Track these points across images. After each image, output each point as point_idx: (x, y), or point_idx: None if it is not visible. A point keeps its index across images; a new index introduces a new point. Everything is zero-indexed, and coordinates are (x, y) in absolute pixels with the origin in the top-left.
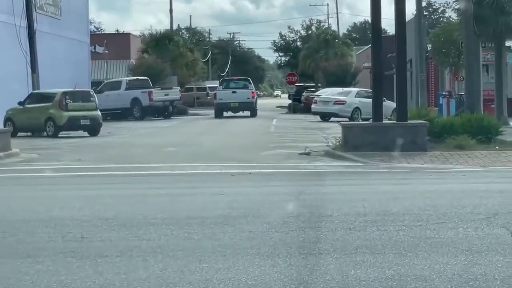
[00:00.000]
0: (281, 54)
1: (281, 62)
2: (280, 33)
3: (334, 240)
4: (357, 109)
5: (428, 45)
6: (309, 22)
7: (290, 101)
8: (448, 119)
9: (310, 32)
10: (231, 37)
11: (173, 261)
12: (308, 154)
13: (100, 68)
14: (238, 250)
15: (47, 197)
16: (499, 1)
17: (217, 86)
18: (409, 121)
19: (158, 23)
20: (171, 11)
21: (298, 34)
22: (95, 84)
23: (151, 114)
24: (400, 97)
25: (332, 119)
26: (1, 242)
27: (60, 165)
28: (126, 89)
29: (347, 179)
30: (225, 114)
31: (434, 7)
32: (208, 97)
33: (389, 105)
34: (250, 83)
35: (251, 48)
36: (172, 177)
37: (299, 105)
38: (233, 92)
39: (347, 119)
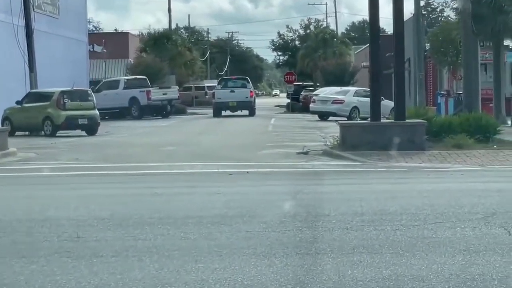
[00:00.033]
0: (279, 53)
1: (279, 61)
2: (278, 32)
3: (331, 239)
4: (355, 108)
5: (426, 44)
6: (307, 21)
7: (288, 100)
8: (446, 118)
9: (308, 31)
10: (229, 36)
11: (169, 261)
12: (306, 153)
13: (99, 67)
14: (234, 250)
15: (43, 197)
16: (497, 0)
17: (215, 85)
18: (407, 120)
19: (157, 22)
20: (169, 10)
21: (297, 33)
22: (94, 83)
23: (149, 113)
24: (398, 96)
25: (331, 118)
26: None
27: (57, 165)
28: (124, 88)
29: (344, 178)
30: (223, 113)
31: (432, 6)
32: (207, 96)
33: (387, 104)
34: (248, 82)
35: (249, 47)
36: (169, 177)
37: (298, 104)
38: (232, 91)
39: (346, 118)
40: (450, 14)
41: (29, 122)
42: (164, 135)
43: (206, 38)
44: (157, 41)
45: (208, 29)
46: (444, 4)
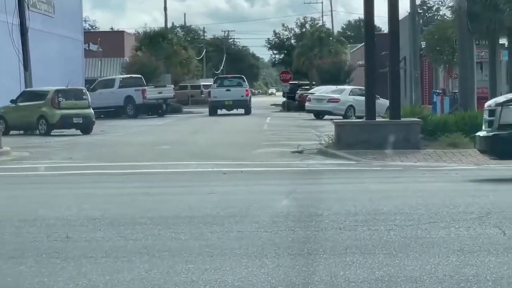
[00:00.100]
0: (275, 52)
1: (275, 60)
2: (274, 31)
3: (324, 240)
4: (351, 107)
5: (422, 42)
6: (303, 20)
7: (284, 99)
8: (441, 117)
9: (304, 30)
10: (225, 35)
11: (159, 261)
12: (300, 152)
13: (94, 66)
14: (225, 251)
15: (35, 196)
16: None
17: (211, 84)
18: (402, 119)
19: (153, 21)
20: (165, 9)
21: (292, 32)
22: (89, 82)
23: (144, 112)
24: (393, 94)
25: (326, 117)
26: None
27: (50, 164)
28: (120, 87)
29: (339, 178)
30: (219, 112)
31: (428, 5)
32: (202, 95)
33: (383, 103)
34: (244, 81)
35: (245, 46)
36: (163, 176)
37: (293, 103)
38: (227, 90)
39: (341, 117)
40: (446, 13)
41: (23, 121)
42: (159, 134)
43: (202, 37)
44: (153, 40)
45: (204, 27)
46: (440, 2)
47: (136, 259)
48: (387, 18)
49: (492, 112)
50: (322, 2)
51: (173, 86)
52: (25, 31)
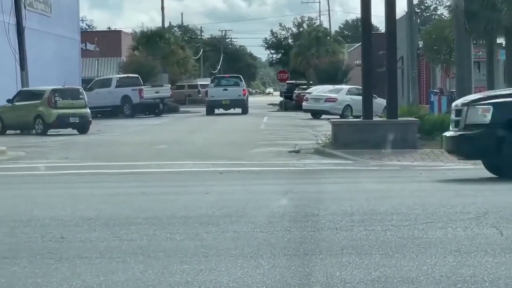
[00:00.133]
0: (272, 51)
1: (272, 60)
2: (271, 31)
3: (320, 240)
4: (348, 106)
5: (419, 42)
6: (300, 20)
7: (281, 99)
8: (439, 116)
9: (301, 29)
10: (223, 34)
11: (154, 262)
12: (297, 152)
13: (91, 65)
14: (221, 251)
15: (30, 196)
16: None
17: (208, 84)
18: (399, 119)
19: (151, 20)
20: (162, 8)
21: (290, 31)
22: (86, 81)
23: (141, 111)
24: (390, 94)
25: (323, 116)
26: None
27: (46, 163)
28: (117, 86)
29: (336, 177)
30: (216, 111)
31: (426, 4)
32: (200, 95)
33: (380, 102)
34: (241, 80)
35: (243, 46)
36: (159, 176)
37: (291, 102)
38: (225, 89)
39: (338, 117)
40: (444, 12)
41: (20, 121)
42: (156, 134)
43: (200, 36)
44: (150, 39)
45: (201, 27)
46: (437, 2)
47: (131, 259)
48: (384, 18)
49: (458, 112)
50: (319, 2)
51: (170, 85)
52: (22, 31)
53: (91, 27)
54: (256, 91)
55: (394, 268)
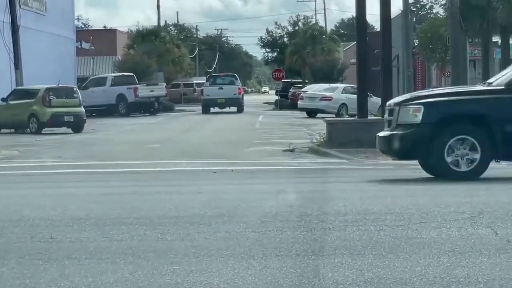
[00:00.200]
0: (268, 50)
1: (268, 58)
2: (267, 29)
3: (312, 240)
4: (343, 105)
5: (415, 40)
6: (296, 18)
7: (277, 97)
8: None
9: (297, 28)
10: (218, 33)
11: (144, 263)
12: (292, 150)
13: (86, 64)
14: (212, 251)
15: (21, 195)
16: None
17: (204, 82)
18: None
19: (146, 19)
20: (158, 7)
21: (285, 30)
22: (81, 80)
23: (136, 110)
24: (385, 93)
25: (319, 115)
26: None
27: (39, 163)
28: (112, 85)
29: (330, 176)
30: (212, 110)
31: (421, 3)
32: (195, 93)
33: (375, 101)
34: (236, 79)
35: (238, 44)
36: (153, 175)
37: (286, 101)
38: (220, 88)
39: (334, 115)
40: (439, 10)
41: (14, 119)
42: (151, 133)
43: (195, 35)
44: (145, 38)
45: (197, 26)
46: (433, 0)
47: (121, 260)
48: (379, 16)
49: (391, 112)
50: (315, 0)
51: (165, 84)
52: (16, 29)
53: (86, 25)
54: (252, 90)
55: (387, 269)
